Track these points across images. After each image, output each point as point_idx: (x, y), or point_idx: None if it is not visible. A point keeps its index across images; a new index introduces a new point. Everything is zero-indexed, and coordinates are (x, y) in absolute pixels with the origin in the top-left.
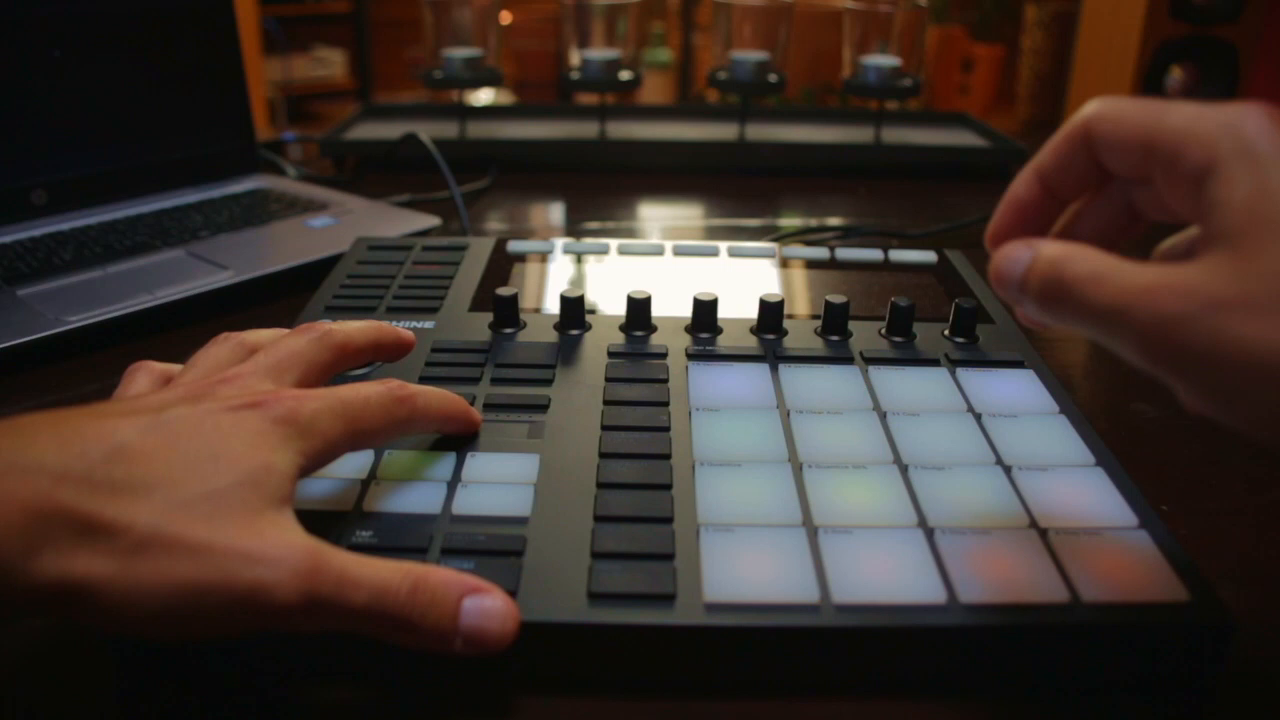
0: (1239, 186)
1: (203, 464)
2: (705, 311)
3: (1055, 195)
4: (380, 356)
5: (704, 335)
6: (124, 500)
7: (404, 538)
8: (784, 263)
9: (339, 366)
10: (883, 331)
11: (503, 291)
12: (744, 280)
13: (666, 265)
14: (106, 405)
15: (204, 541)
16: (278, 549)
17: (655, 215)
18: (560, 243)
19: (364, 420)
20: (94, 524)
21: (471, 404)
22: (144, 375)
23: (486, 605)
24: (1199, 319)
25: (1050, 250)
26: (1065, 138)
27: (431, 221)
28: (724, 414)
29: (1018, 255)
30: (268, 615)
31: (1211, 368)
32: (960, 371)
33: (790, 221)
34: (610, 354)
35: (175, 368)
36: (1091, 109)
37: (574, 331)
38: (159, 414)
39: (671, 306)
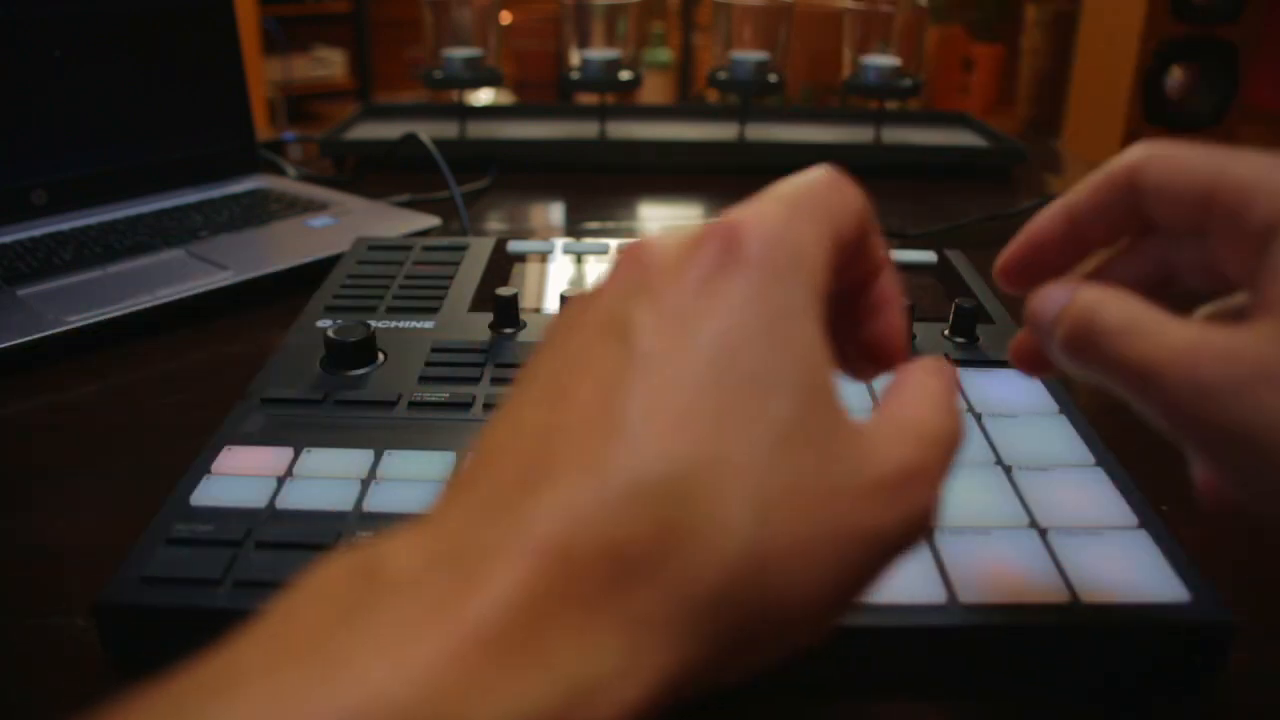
0: None
1: None
2: None
3: (1082, 239)
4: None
5: None
6: None
7: None
8: None
9: None
10: None
11: (503, 291)
12: None
13: None
14: None
15: None
16: None
17: (655, 215)
18: (560, 243)
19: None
20: None
21: (471, 404)
22: None
23: None
24: (1242, 391)
25: (1086, 295)
26: (1107, 178)
27: (431, 221)
28: None
29: (1055, 296)
30: None
31: (1247, 447)
32: (960, 371)
33: None
34: None
35: None
36: (1142, 151)
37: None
38: None
39: None
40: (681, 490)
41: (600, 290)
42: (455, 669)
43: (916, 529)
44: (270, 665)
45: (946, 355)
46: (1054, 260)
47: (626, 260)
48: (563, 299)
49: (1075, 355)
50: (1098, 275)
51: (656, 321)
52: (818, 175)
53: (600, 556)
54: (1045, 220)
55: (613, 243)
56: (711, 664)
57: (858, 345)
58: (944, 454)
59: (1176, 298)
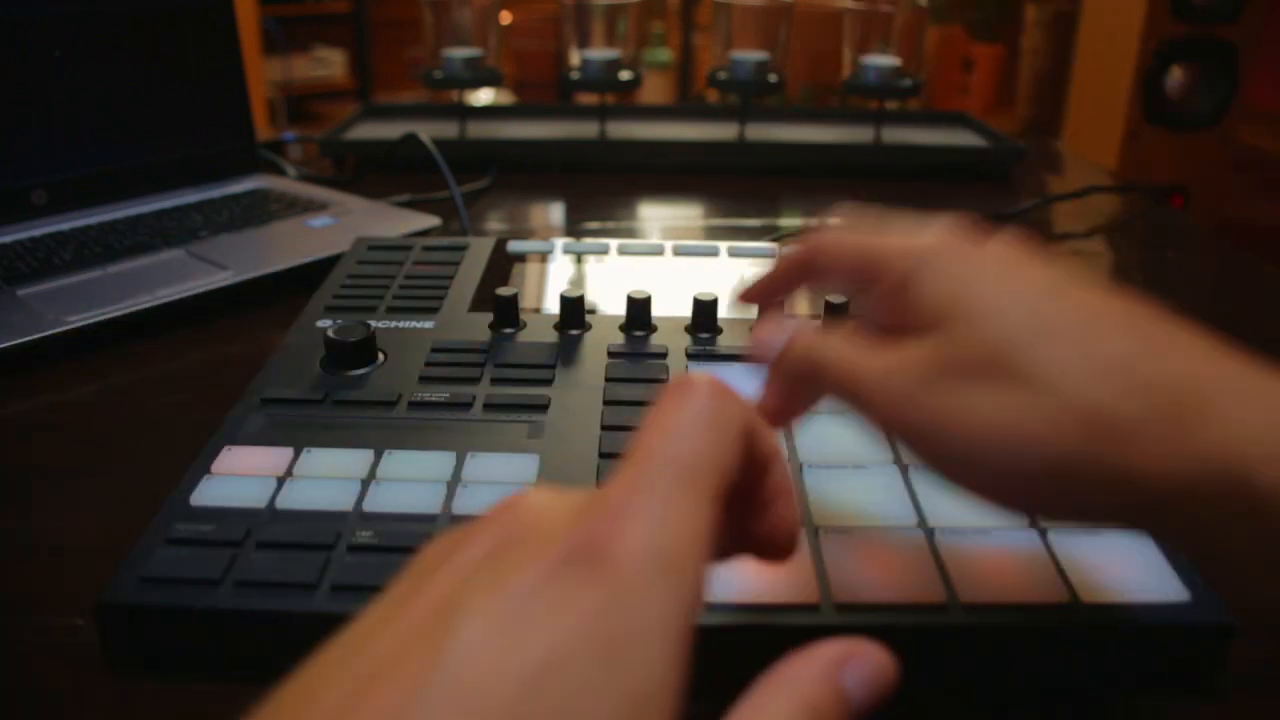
0: (927, 286)
1: None
2: (705, 311)
3: (784, 294)
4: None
5: (704, 335)
6: None
7: (404, 538)
8: None
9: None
10: None
11: (503, 291)
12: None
13: (666, 265)
14: None
15: None
16: None
17: (655, 215)
18: (560, 243)
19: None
20: None
21: (471, 404)
22: None
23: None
24: (918, 392)
25: (805, 337)
26: (793, 260)
27: (431, 221)
28: None
29: (772, 338)
30: None
31: (935, 439)
32: None
33: (790, 221)
34: (610, 354)
35: None
36: (814, 240)
37: (574, 331)
38: None
39: (671, 306)
40: None
41: (461, 544)
42: None
43: None
44: None
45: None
46: (774, 300)
47: (499, 514)
48: (563, 299)
49: (801, 382)
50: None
51: (485, 617)
52: (693, 418)
53: None
54: (755, 286)
55: (613, 243)
56: None
57: (749, 538)
58: None
59: None
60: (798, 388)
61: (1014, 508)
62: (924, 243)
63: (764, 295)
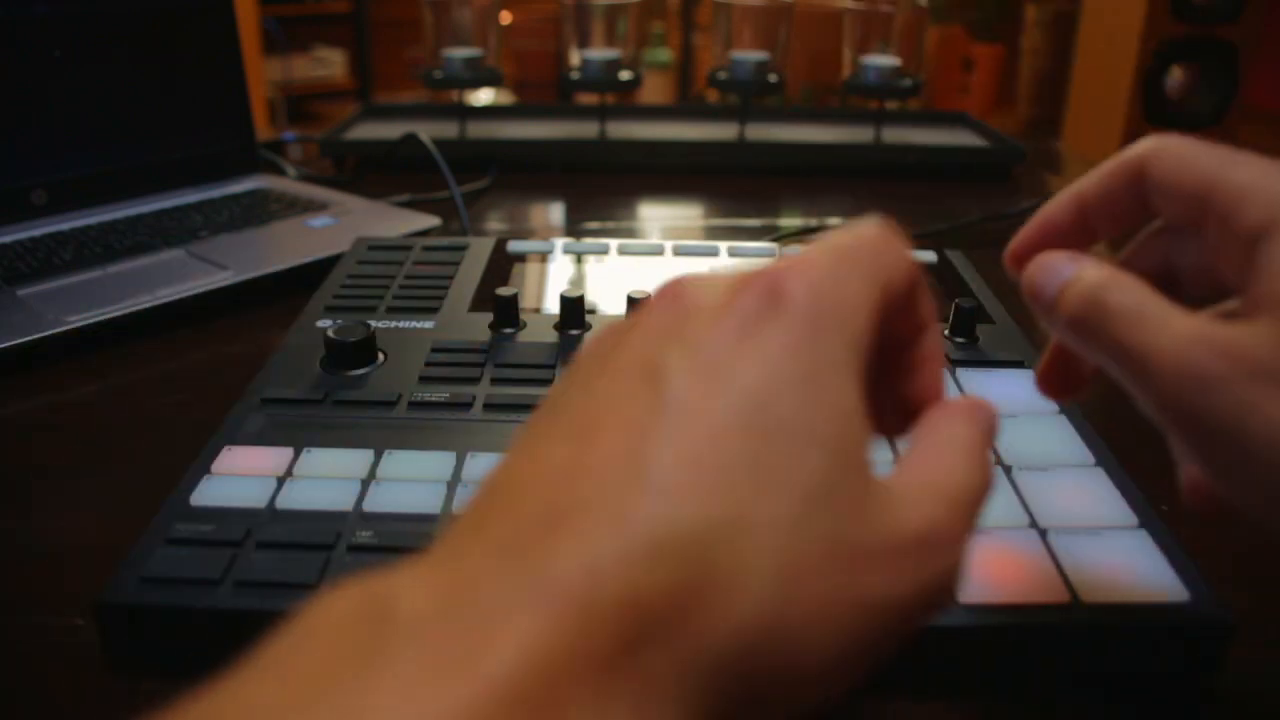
0: None
1: None
2: None
3: (1091, 226)
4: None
5: None
6: None
7: (404, 538)
8: None
9: None
10: None
11: (503, 291)
12: None
13: (666, 265)
14: None
15: None
16: None
17: (655, 215)
18: (560, 243)
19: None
20: None
21: (471, 404)
22: None
23: None
24: (1232, 385)
25: (1094, 272)
26: (1116, 168)
27: (431, 221)
28: None
29: (1058, 268)
30: None
31: (1233, 441)
32: (960, 371)
33: (790, 221)
34: None
35: None
36: (1151, 144)
37: (574, 331)
38: None
39: None
40: (704, 547)
41: (635, 327)
42: None
43: (936, 597)
44: (280, 708)
45: (946, 355)
46: (1064, 246)
47: (664, 300)
48: (563, 299)
49: (1081, 332)
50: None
51: (690, 368)
52: (869, 229)
53: (619, 613)
54: (1056, 206)
55: (613, 243)
56: None
57: (894, 401)
58: (969, 513)
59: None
60: (1079, 343)
61: None
62: None
63: (1065, 229)
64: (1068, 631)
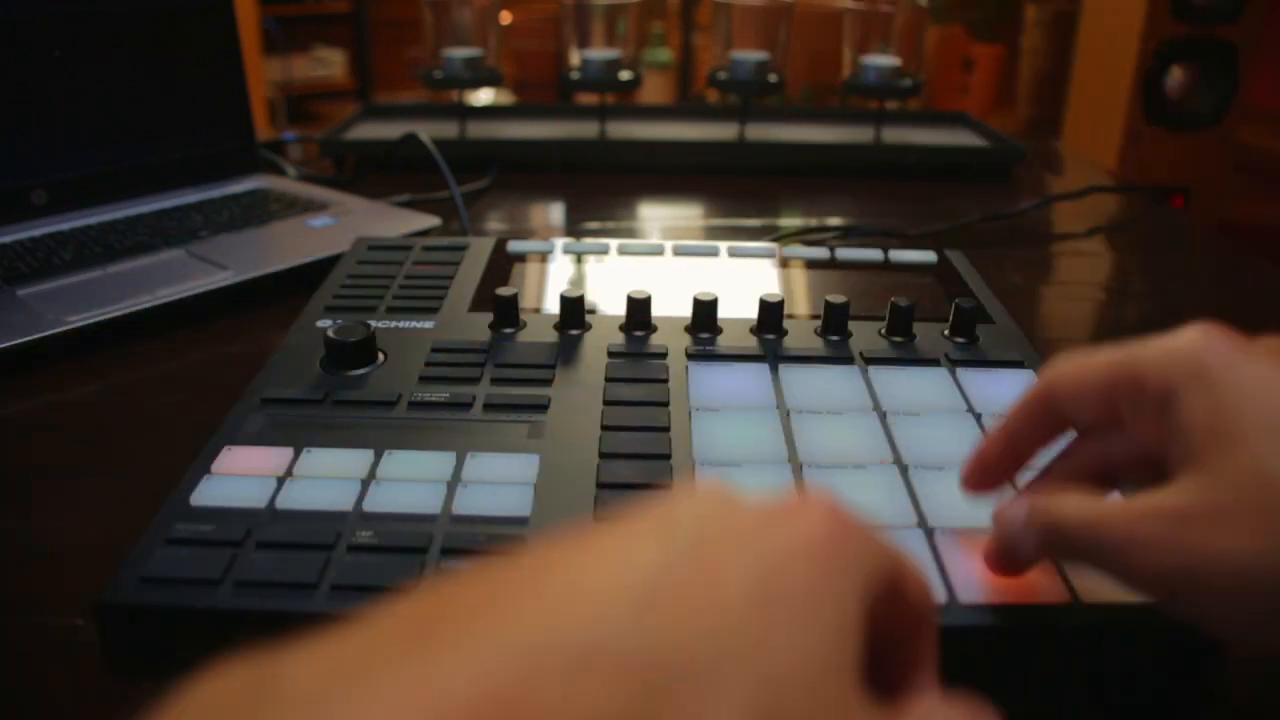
0: (1195, 407)
1: None
2: (705, 311)
3: (1024, 453)
4: None
5: (704, 335)
6: None
7: (404, 538)
8: (784, 263)
9: None
10: (883, 331)
11: (503, 291)
12: (744, 280)
13: (666, 265)
14: None
15: None
16: None
17: (655, 215)
18: (560, 243)
19: None
20: None
21: (471, 404)
22: None
23: None
24: (1170, 537)
25: (1042, 502)
26: (1029, 402)
27: (431, 221)
28: (724, 414)
29: (1015, 513)
30: None
31: (1189, 583)
32: (960, 371)
33: (790, 221)
34: (610, 354)
35: None
36: (1051, 373)
37: (574, 331)
38: None
39: (671, 306)
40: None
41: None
42: None
43: None
44: None
45: (946, 355)
46: (1003, 469)
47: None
48: (563, 299)
49: (1049, 549)
50: (1049, 475)
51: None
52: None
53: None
54: (988, 444)
55: (613, 243)
56: None
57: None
58: None
59: None
60: (1049, 555)
61: (1259, 637)
62: (1187, 346)
63: (1003, 459)
64: (1068, 631)
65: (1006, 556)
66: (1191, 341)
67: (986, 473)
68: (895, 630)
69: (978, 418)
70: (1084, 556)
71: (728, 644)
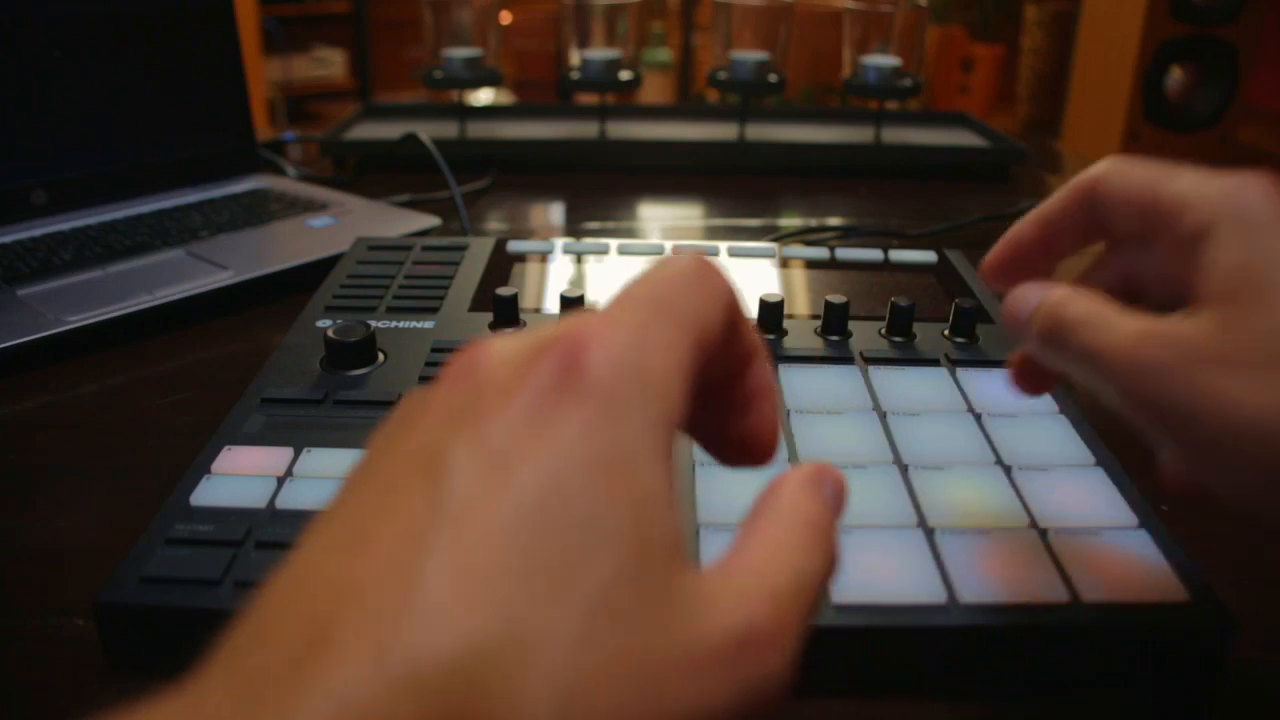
0: (1230, 249)
1: None
2: None
3: (1055, 243)
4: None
5: None
6: None
7: None
8: (784, 263)
9: None
10: (883, 331)
11: (503, 291)
12: (744, 280)
13: None
14: None
15: None
16: None
17: (655, 215)
18: (560, 243)
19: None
20: None
21: None
22: None
23: None
24: (1179, 370)
25: (1056, 293)
26: (1073, 190)
27: (431, 221)
28: None
29: (1029, 296)
30: None
31: (1189, 422)
32: (960, 371)
33: (790, 221)
34: None
35: None
36: (1101, 166)
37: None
38: None
39: None
40: (475, 674)
41: (423, 409)
42: None
43: (755, 703)
44: None
45: (946, 355)
46: (1032, 261)
47: (456, 373)
48: (563, 299)
49: (1047, 346)
50: (1073, 283)
51: (474, 461)
52: (679, 270)
53: None
54: (1023, 226)
55: (613, 243)
56: None
57: (729, 439)
58: (800, 604)
59: None
60: (1049, 356)
61: (1258, 505)
62: (1230, 187)
63: (1033, 248)
64: (1068, 631)
65: (1026, 371)
66: (1242, 183)
67: (1014, 259)
68: (731, 366)
69: (978, 418)
70: (1081, 363)
71: (513, 628)
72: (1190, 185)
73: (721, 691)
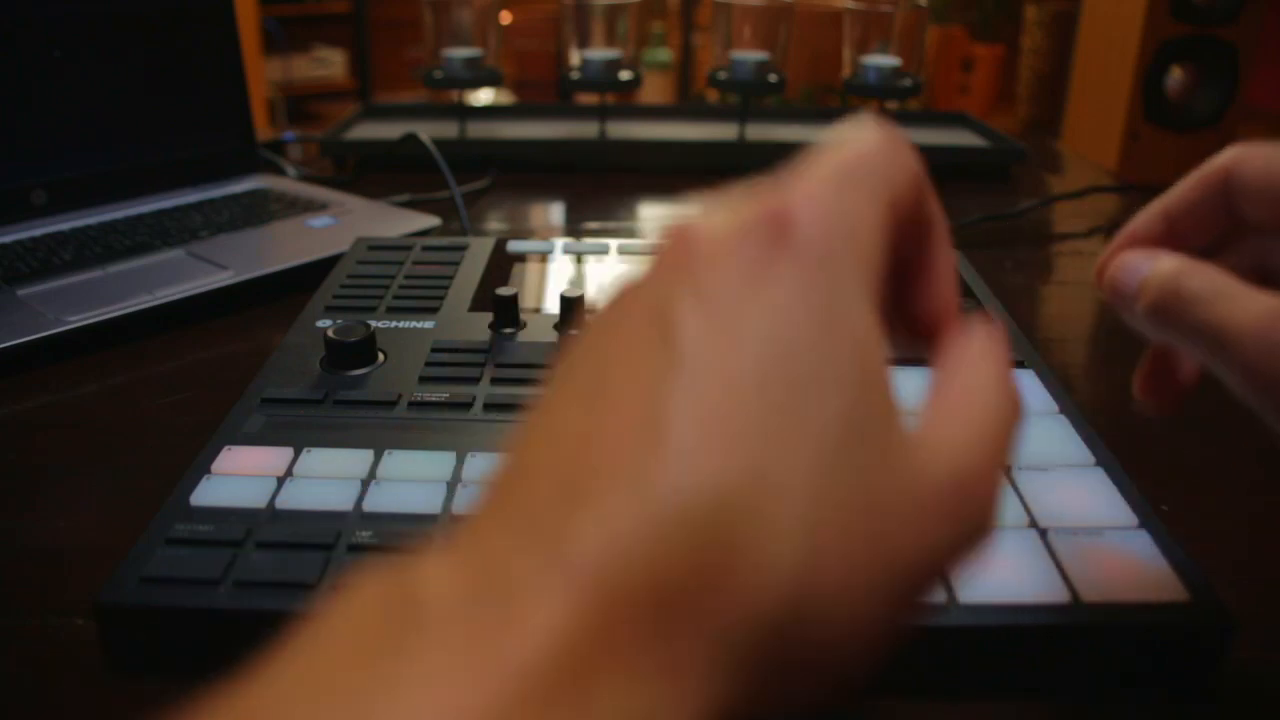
0: None
1: None
2: None
3: (1179, 238)
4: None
5: None
6: None
7: (404, 538)
8: None
9: None
10: None
11: (503, 291)
12: None
13: None
14: None
15: None
16: None
17: (655, 215)
18: (560, 243)
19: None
20: None
21: (471, 404)
22: None
23: None
24: None
25: (1169, 262)
26: (1201, 178)
27: (431, 221)
28: None
29: (1136, 264)
30: None
31: None
32: None
33: None
34: None
35: None
36: (1236, 152)
37: (574, 332)
38: None
39: None
40: (727, 513)
41: (644, 278)
42: (494, 718)
43: (974, 540)
44: (305, 698)
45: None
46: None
47: (671, 245)
48: (563, 299)
49: (1162, 318)
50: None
51: (701, 319)
52: (872, 139)
53: (643, 593)
54: (1143, 220)
55: (613, 243)
56: (756, 697)
57: (907, 314)
58: (1001, 448)
59: None
60: (1162, 331)
61: None
62: None
63: (1152, 244)
64: (1068, 631)
65: (1157, 383)
66: None
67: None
68: (915, 239)
69: None
70: (1202, 339)
71: (764, 461)
72: None
73: (944, 533)
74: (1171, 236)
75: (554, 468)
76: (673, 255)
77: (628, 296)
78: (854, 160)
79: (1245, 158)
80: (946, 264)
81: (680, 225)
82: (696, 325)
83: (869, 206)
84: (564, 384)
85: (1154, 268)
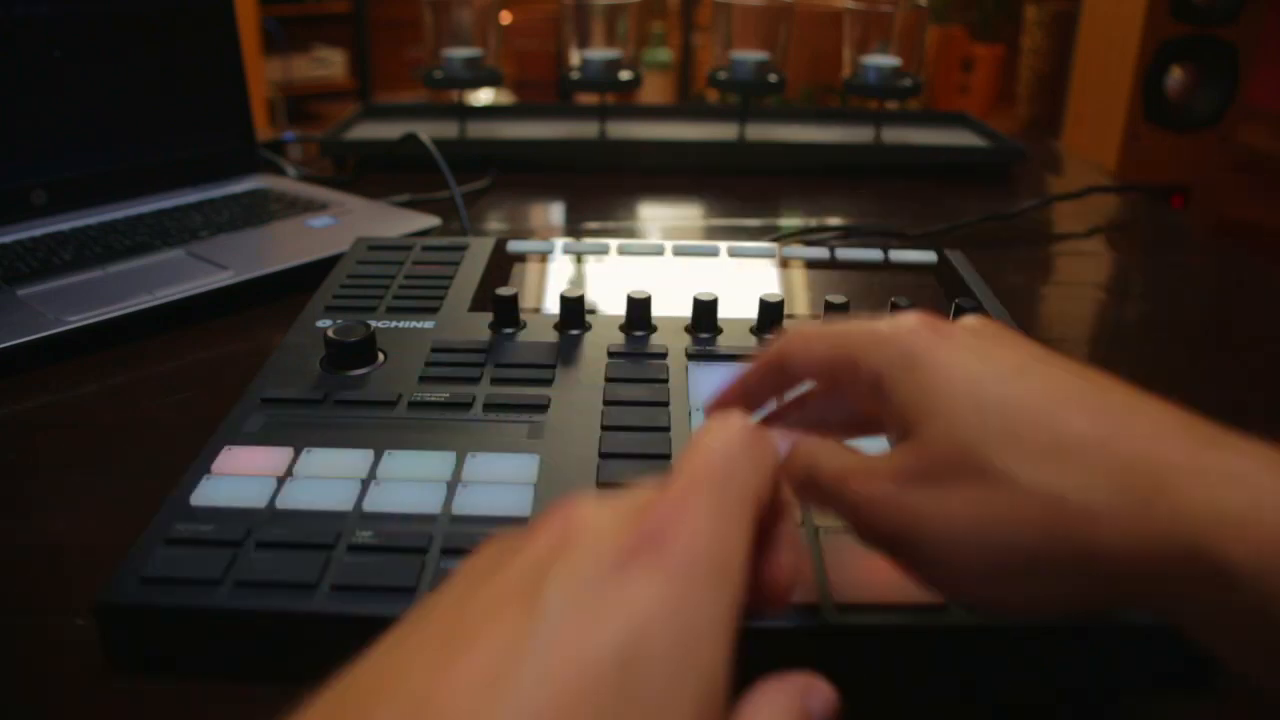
0: (903, 390)
1: None
2: (705, 311)
3: (756, 401)
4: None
5: (704, 335)
6: None
7: (404, 538)
8: (784, 263)
9: None
10: None
11: (503, 291)
12: (744, 280)
13: (666, 265)
14: None
15: None
16: None
17: (655, 215)
18: (560, 243)
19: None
20: None
21: (471, 404)
22: None
23: None
24: (893, 500)
25: (804, 444)
26: (766, 361)
27: (431, 221)
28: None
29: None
30: None
31: (908, 541)
32: None
33: (790, 221)
34: (610, 354)
35: None
36: (783, 341)
37: (574, 331)
38: None
39: (671, 306)
40: None
41: (522, 545)
42: None
43: None
44: None
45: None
46: (749, 407)
47: (556, 519)
48: (563, 299)
49: (807, 498)
50: (803, 413)
51: (569, 594)
52: (737, 442)
53: None
54: (729, 390)
55: (613, 243)
56: None
57: (753, 580)
58: None
59: None
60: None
61: (995, 606)
62: (893, 334)
63: (740, 405)
64: (1068, 632)
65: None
66: (897, 329)
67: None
68: (765, 518)
69: None
70: (834, 508)
71: None
72: (858, 343)
73: None
74: (750, 401)
75: (385, 714)
76: (556, 531)
77: (503, 554)
78: (724, 475)
79: (788, 345)
80: (792, 539)
81: (564, 508)
82: (562, 599)
83: (737, 528)
84: (420, 623)
85: (789, 452)
